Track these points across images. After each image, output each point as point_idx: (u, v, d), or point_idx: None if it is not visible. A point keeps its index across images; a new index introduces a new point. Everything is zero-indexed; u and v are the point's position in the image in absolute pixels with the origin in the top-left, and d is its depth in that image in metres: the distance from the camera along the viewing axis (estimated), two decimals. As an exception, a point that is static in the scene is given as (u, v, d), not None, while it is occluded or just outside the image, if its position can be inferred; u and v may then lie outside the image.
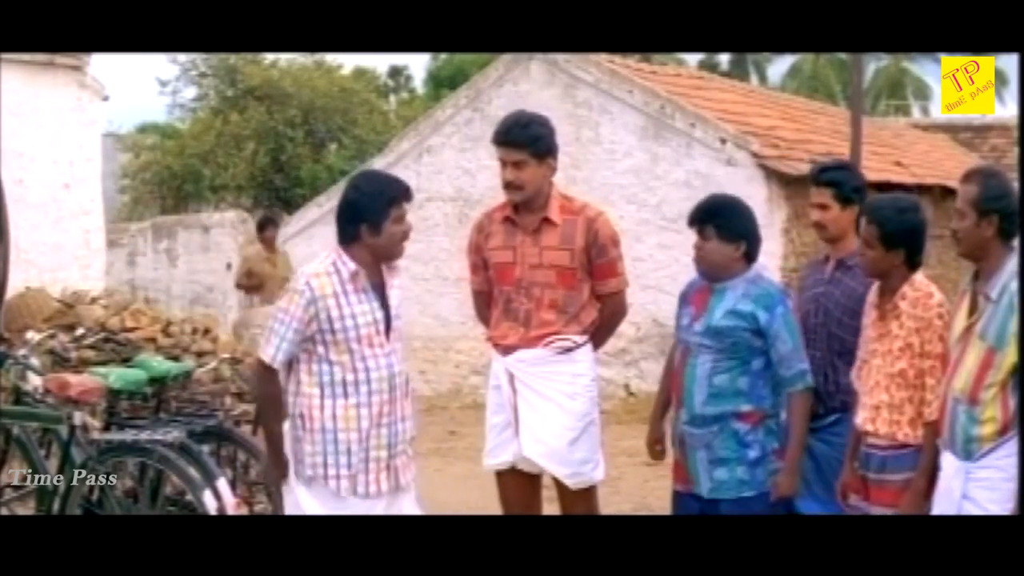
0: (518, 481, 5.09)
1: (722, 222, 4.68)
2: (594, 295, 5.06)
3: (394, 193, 4.46)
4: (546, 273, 4.99)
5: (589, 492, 5.08)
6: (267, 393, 4.54)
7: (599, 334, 5.13)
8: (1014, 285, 3.95)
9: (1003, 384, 3.94)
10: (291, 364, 4.46)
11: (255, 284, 12.45)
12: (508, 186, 4.99)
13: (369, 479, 4.43)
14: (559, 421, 4.96)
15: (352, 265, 4.41)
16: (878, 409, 4.41)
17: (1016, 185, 4.23)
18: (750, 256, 4.70)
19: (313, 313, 4.36)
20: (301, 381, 4.43)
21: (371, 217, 4.41)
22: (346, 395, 4.40)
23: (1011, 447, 3.91)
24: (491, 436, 5.13)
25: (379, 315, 4.45)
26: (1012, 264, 4.01)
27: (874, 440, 4.44)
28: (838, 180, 4.90)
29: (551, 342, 4.97)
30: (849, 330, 4.74)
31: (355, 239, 4.44)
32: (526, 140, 4.95)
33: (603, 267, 5.04)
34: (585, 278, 5.01)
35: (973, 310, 4.09)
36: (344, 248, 4.46)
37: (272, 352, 4.41)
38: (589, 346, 5.07)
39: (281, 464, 4.51)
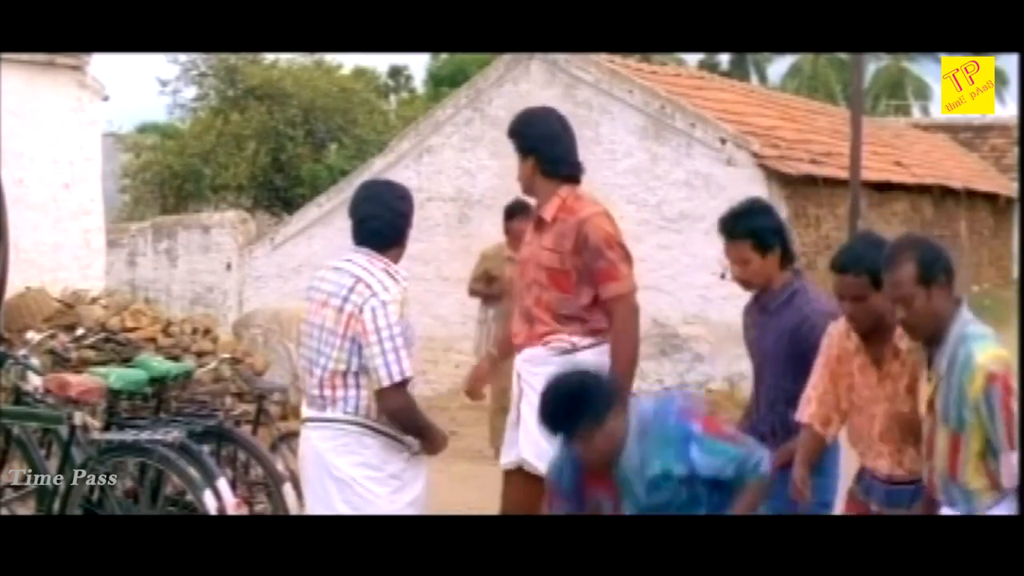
0: (521, 482, 5.02)
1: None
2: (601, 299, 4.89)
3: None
4: (541, 273, 4.93)
5: None
6: (402, 410, 4.42)
7: (615, 343, 4.91)
8: (962, 353, 3.74)
9: (977, 455, 3.80)
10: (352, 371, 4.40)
11: (495, 292, 9.19)
12: None
13: None
14: None
15: (404, 272, 4.52)
16: (901, 452, 4.22)
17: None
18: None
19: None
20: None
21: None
22: None
23: (1009, 505, 3.78)
24: (505, 435, 5.16)
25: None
26: (957, 329, 3.79)
27: (901, 481, 4.24)
28: (755, 229, 4.51)
29: (549, 342, 4.91)
30: (779, 374, 4.55)
31: (396, 246, 4.52)
32: None
33: (601, 271, 4.85)
34: (586, 281, 4.87)
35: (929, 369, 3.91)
36: (385, 254, 4.48)
37: (402, 368, 4.33)
38: (596, 350, 4.90)
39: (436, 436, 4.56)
